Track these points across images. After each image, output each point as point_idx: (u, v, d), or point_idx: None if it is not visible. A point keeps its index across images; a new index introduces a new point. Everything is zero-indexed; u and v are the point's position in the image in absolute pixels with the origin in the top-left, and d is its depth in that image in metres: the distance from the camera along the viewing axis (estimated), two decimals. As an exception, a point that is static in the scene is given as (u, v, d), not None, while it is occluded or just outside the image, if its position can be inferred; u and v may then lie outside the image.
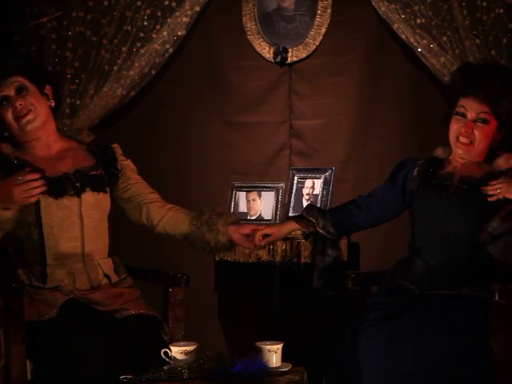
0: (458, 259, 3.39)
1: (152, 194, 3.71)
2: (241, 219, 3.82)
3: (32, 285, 3.40)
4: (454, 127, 3.49)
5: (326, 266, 3.63)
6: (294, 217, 3.84)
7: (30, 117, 3.43)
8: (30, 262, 3.43)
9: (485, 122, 3.45)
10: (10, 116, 3.42)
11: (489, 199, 3.32)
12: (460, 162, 3.54)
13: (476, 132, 3.45)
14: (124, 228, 3.73)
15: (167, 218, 3.66)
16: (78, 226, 3.48)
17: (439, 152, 3.62)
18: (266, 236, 3.63)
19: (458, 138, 3.49)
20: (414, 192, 3.60)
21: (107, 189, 3.56)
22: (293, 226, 3.72)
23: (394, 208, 3.66)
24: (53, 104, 3.51)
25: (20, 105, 3.42)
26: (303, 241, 4.23)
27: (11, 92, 3.41)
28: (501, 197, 3.30)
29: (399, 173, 3.66)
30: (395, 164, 3.71)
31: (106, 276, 3.55)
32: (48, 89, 3.50)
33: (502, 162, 3.48)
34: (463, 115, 3.47)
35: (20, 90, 3.43)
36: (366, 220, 3.69)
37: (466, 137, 3.46)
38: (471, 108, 3.45)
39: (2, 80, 3.42)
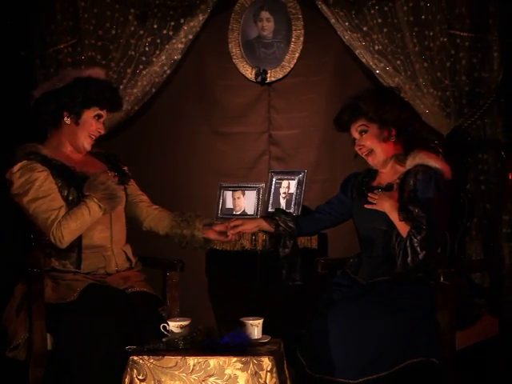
0: (391, 250, 3.39)
1: (142, 195, 3.76)
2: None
3: (63, 270, 3.44)
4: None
5: (285, 256, 3.66)
6: (262, 216, 3.95)
7: (92, 143, 3.60)
8: (65, 250, 3.43)
9: None
10: (93, 127, 3.55)
11: (365, 206, 3.43)
12: (382, 171, 3.61)
13: None
14: (127, 221, 3.71)
15: (152, 216, 3.72)
16: (108, 218, 3.52)
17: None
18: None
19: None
20: (353, 200, 3.68)
21: (123, 186, 3.63)
22: (260, 221, 3.77)
23: (349, 209, 3.72)
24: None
25: (99, 129, 3.57)
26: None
27: (96, 116, 3.57)
28: (376, 207, 3.39)
29: (347, 184, 3.76)
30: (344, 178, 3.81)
31: (129, 260, 3.61)
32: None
33: (408, 163, 3.50)
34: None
35: (99, 117, 3.58)
36: (329, 221, 3.77)
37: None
38: None
39: (85, 108, 3.53)
